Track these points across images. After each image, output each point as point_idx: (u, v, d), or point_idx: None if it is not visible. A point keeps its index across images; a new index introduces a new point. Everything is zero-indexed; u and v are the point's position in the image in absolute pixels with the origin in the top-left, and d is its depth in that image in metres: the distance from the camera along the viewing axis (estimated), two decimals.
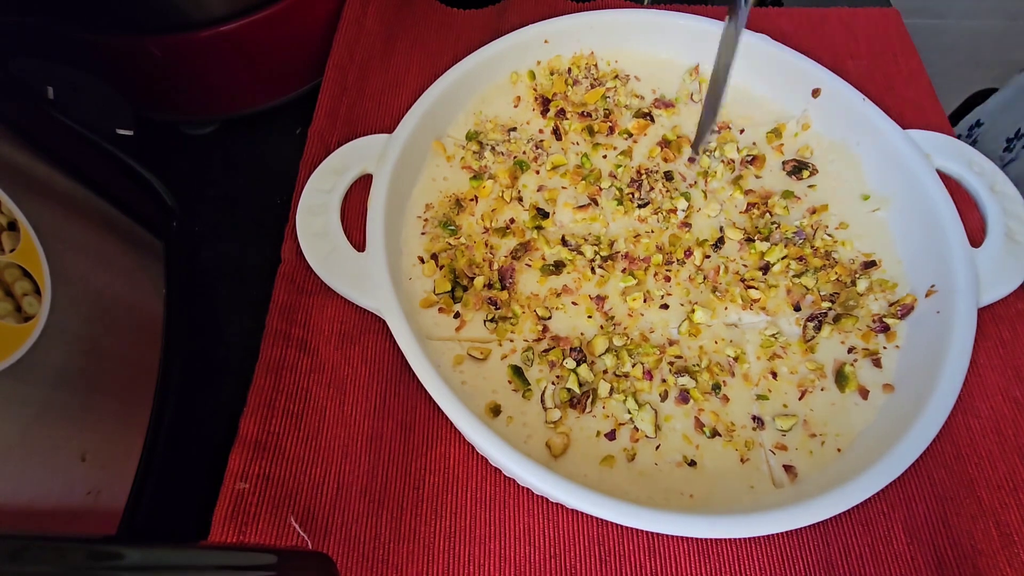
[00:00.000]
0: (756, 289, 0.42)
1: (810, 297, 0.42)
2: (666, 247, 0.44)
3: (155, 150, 0.44)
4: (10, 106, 0.35)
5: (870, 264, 0.43)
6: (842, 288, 0.42)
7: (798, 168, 0.47)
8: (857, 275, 0.43)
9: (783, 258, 0.43)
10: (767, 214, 0.45)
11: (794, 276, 0.43)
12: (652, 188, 0.45)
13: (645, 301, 0.41)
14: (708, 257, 0.43)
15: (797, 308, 0.42)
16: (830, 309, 0.41)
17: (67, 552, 0.17)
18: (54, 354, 0.29)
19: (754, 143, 0.49)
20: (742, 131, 0.49)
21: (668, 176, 0.46)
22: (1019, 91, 0.68)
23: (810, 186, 0.47)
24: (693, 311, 0.41)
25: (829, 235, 0.45)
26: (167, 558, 0.20)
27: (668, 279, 0.42)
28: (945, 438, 0.39)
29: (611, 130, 0.49)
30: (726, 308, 0.41)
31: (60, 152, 0.35)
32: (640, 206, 0.45)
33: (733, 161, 0.48)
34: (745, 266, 0.44)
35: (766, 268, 0.43)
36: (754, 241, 0.44)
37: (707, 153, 0.48)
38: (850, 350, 0.40)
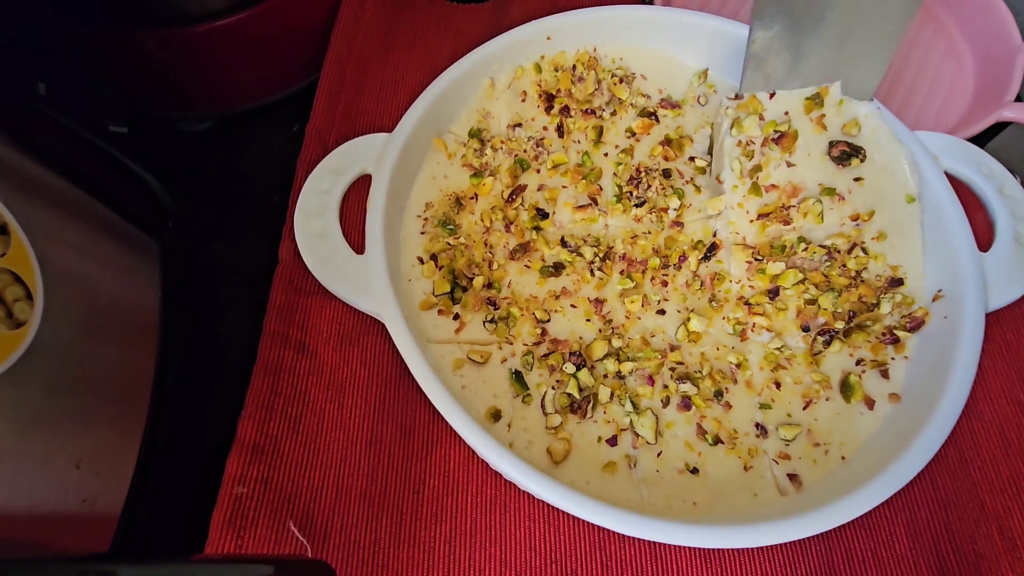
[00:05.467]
0: (762, 316, 0.38)
1: (822, 318, 0.38)
2: (662, 250, 0.42)
3: (150, 147, 0.44)
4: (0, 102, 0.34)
5: (898, 282, 0.38)
6: (862, 308, 0.38)
7: (848, 155, 0.37)
8: (882, 294, 0.38)
9: (801, 281, 0.37)
10: (787, 223, 0.37)
11: (808, 301, 0.38)
12: (650, 186, 0.44)
13: (643, 305, 0.40)
14: (704, 262, 0.41)
15: (806, 329, 0.38)
16: (844, 327, 0.38)
17: (58, 574, 0.17)
18: (47, 360, 0.29)
19: (786, 112, 0.38)
20: (772, 95, 0.39)
21: (666, 174, 0.44)
22: None
23: (856, 179, 0.37)
24: (688, 319, 0.39)
25: (864, 250, 0.38)
26: (161, 574, 0.20)
27: (665, 284, 0.41)
28: (948, 442, 0.39)
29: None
30: (724, 318, 0.40)
31: (51, 150, 0.34)
32: (637, 205, 0.43)
33: (753, 142, 0.37)
34: (752, 288, 0.40)
35: (775, 292, 0.39)
36: (763, 260, 0.39)
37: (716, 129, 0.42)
38: (858, 362, 0.38)
